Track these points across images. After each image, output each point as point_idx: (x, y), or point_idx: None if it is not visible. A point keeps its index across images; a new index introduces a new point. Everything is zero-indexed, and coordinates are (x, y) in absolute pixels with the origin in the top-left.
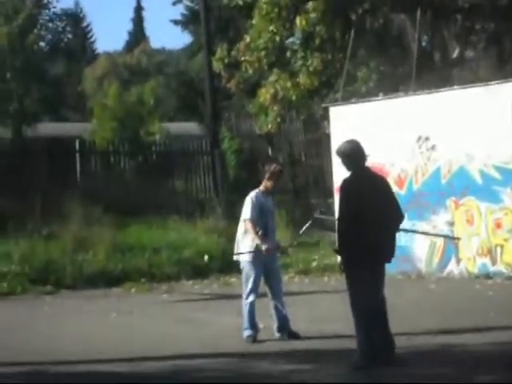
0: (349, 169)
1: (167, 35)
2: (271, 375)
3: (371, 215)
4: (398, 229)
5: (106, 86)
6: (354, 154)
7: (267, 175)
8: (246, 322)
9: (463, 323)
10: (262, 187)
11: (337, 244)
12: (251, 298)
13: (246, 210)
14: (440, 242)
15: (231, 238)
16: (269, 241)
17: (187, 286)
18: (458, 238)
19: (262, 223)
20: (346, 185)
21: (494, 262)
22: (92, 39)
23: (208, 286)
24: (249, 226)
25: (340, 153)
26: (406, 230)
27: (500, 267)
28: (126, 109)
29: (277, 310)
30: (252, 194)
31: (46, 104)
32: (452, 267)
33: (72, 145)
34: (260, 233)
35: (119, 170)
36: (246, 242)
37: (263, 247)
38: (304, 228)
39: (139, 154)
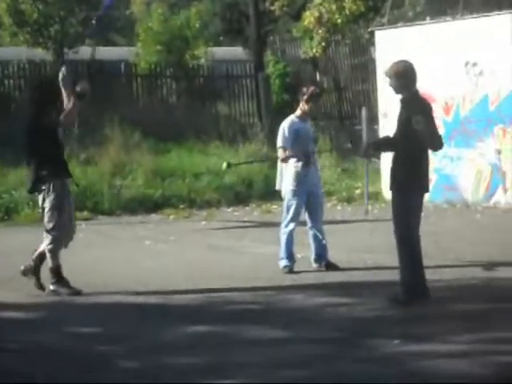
0: (399, 91)
1: None
2: (304, 309)
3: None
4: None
5: (153, 10)
6: (406, 75)
7: (304, 97)
8: (282, 252)
9: (507, 256)
10: (298, 111)
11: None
12: (291, 226)
13: (278, 138)
14: (487, 171)
15: (274, 164)
16: (313, 165)
17: (227, 213)
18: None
19: (301, 148)
20: (408, 101)
21: None
22: None
23: (248, 213)
24: (280, 153)
25: (392, 73)
26: None
27: None
28: (171, 32)
29: (315, 240)
30: (285, 122)
31: (90, 26)
32: (499, 197)
33: (116, 68)
34: (299, 158)
35: (162, 94)
36: (289, 170)
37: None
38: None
39: (183, 78)
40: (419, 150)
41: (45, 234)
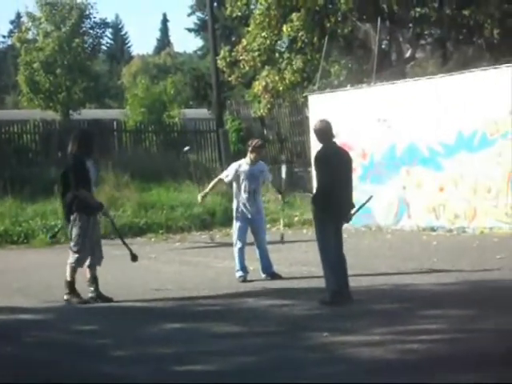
0: (320, 142)
1: (186, 40)
2: (255, 309)
3: (337, 180)
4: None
5: (139, 81)
6: (324, 130)
7: (250, 148)
8: (237, 265)
9: (412, 266)
10: (247, 158)
11: (312, 202)
12: (238, 245)
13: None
14: (395, 202)
15: (231, 199)
16: (251, 199)
17: (196, 236)
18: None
19: (244, 186)
20: (318, 155)
21: (437, 218)
22: (129, 44)
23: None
24: (215, 179)
25: (314, 129)
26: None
27: (443, 222)
28: (152, 98)
29: (261, 256)
30: (234, 163)
31: (90, 94)
32: (404, 222)
33: (110, 125)
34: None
35: (145, 145)
36: (234, 202)
37: (198, 197)
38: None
39: (162, 133)
40: (329, 190)
41: (71, 253)
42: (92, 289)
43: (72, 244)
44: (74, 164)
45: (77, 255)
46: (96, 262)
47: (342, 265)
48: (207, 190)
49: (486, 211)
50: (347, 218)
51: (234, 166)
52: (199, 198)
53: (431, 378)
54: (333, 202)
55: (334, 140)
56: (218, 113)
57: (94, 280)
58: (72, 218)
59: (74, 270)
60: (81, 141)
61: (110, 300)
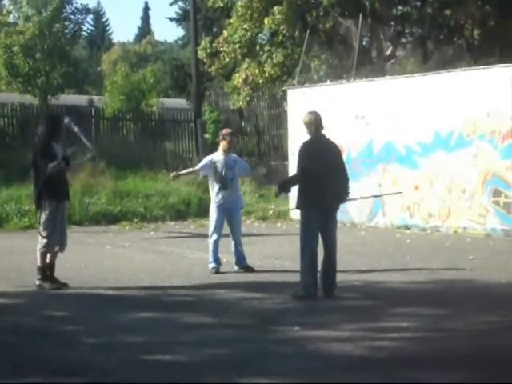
0: (309, 133)
1: (167, 29)
2: (226, 301)
3: (320, 171)
4: (345, 186)
5: (118, 68)
6: (313, 122)
7: (220, 138)
8: (210, 257)
9: (384, 264)
10: (219, 149)
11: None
12: (214, 237)
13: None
14: (370, 199)
15: (206, 189)
16: (229, 188)
17: (170, 226)
18: (400, 192)
19: (219, 175)
20: (305, 146)
21: (412, 216)
22: (110, 31)
23: (186, 226)
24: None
25: (304, 121)
26: (354, 199)
27: (417, 220)
28: (131, 86)
29: (235, 248)
30: (207, 156)
31: (68, 79)
32: (379, 219)
33: (88, 112)
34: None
35: (123, 133)
36: (211, 192)
37: (172, 174)
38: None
39: (140, 122)
40: (309, 180)
41: (40, 238)
42: (39, 276)
43: (41, 229)
44: (41, 147)
45: (46, 240)
46: (59, 249)
47: (326, 261)
48: (184, 171)
49: (460, 211)
50: (332, 209)
51: (207, 158)
52: (172, 174)
53: (399, 376)
54: (314, 192)
55: (323, 132)
56: (197, 103)
57: (51, 265)
58: (42, 203)
59: (43, 256)
60: (48, 126)
61: (65, 285)
